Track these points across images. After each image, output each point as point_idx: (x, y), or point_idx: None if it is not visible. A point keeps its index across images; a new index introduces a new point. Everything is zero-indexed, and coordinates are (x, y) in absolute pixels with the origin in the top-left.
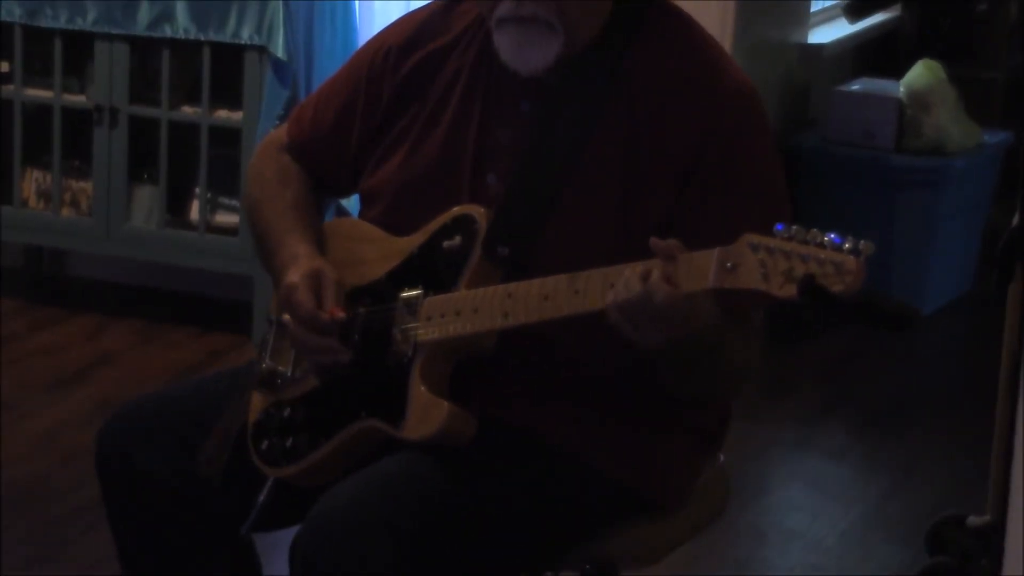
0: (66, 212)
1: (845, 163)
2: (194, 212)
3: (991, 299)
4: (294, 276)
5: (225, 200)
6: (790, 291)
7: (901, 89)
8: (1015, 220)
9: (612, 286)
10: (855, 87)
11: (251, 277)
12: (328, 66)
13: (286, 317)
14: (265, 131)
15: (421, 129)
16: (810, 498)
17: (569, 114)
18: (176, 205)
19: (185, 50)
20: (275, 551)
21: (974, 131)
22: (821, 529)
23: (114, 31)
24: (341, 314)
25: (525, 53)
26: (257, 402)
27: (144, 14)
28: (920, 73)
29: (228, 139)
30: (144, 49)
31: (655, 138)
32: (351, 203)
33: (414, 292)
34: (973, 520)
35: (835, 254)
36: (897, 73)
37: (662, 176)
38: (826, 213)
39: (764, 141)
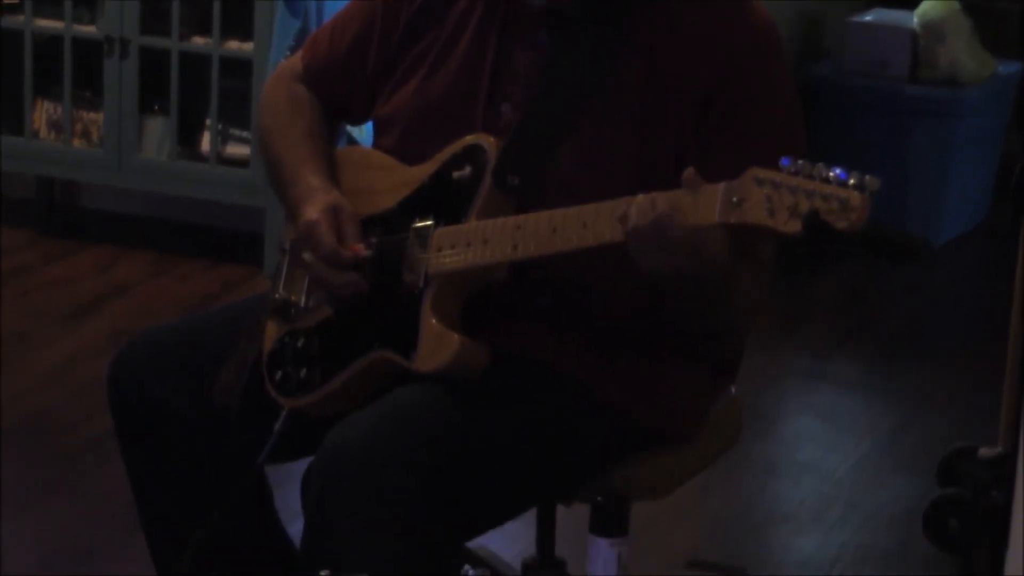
0: (77, 143)
1: (859, 94)
2: (205, 144)
3: (1005, 230)
4: (313, 212)
5: (236, 132)
6: (795, 227)
7: (915, 19)
8: None
9: (621, 218)
10: (869, 18)
11: (262, 209)
12: None
13: (307, 255)
14: (276, 62)
15: (436, 57)
16: (822, 430)
17: (587, 45)
18: (187, 137)
19: None
20: (287, 485)
21: (988, 61)
22: (833, 461)
23: None
24: (364, 251)
25: None
26: (271, 332)
27: None
28: (934, 4)
29: (239, 70)
30: None
31: (675, 69)
32: (363, 135)
33: (426, 222)
34: (984, 452)
35: (840, 190)
36: (911, 3)
37: (680, 108)
38: (840, 144)
39: (783, 77)
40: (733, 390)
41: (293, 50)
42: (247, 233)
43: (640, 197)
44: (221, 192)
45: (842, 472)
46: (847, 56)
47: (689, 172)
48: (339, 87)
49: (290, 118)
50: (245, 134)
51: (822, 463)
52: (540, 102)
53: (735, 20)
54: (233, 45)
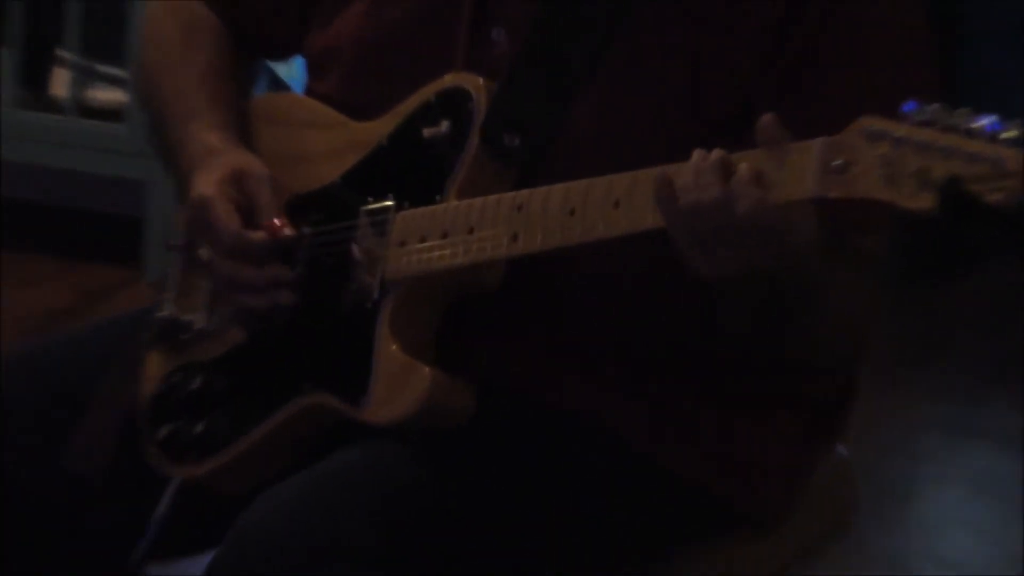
0: None
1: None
2: (60, 86)
3: None
4: (206, 183)
5: (105, 69)
6: (926, 201)
7: None
8: None
9: (666, 192)
10: None
11: (141, 183)
12: None
13: (203, 249)
14: None
15: None
16: (974, 509)
17: None
18: (33, 75)
19: None
20: None
21: None
22: (991, 554)
23: None
24: (285, 229)
25: None
26: (155, 367)
27: None
28: None
29: None
30: None
31: None
32: (292, 72)
33: (383, 203)
34: None
35: (992, 146)
36: None
37: (748, 33)
38: (991, 82)
39: None
40: (842, 451)
41: None
42: (121, 219)
43: (696, 159)
44: (82, 157)
45: (1005, 571)
46: None
47: (768, 120)
48: (256, 7)
49: (183, 51)
50: (118, 72)
51: (975, 558)
52: (546, 26)
53: None
54: None
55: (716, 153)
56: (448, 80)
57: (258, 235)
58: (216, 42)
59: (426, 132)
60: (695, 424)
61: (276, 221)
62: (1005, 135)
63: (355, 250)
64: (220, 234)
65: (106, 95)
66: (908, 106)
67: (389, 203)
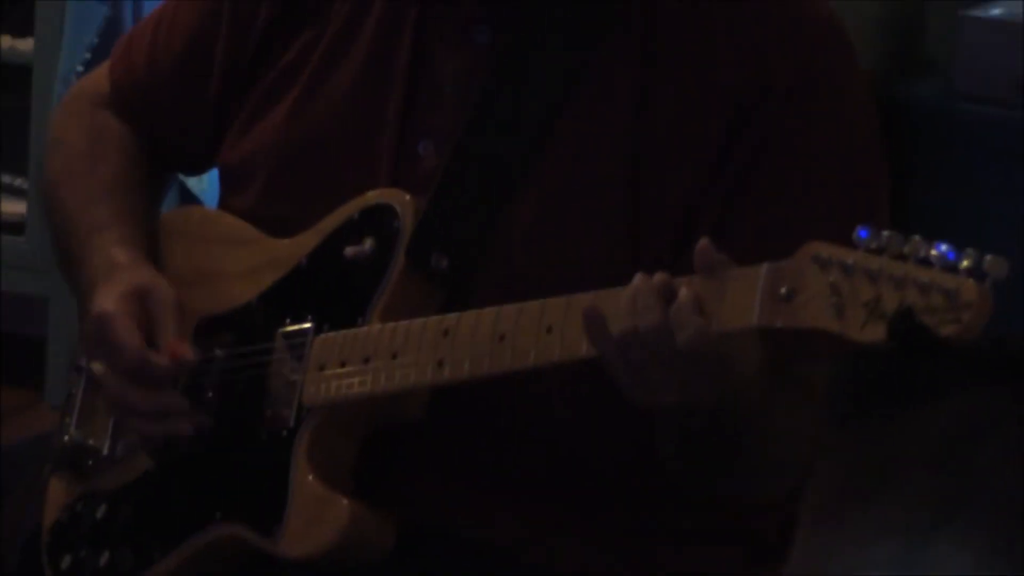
0: None
1: (976, 125)
2: None
3: None
4: (106, 299)
5: (6, 178)
6: (877, 333)
7: None
8: None
9: (596, 323)
10: (994, 12)
11: (45, 299)
12: None
13: (97, 366)
14: (70, 71)
15: (317, 68)
16: None
17: (548, 48)
18: None
19: None
20: None
21: None
22: None
23: None
24: (186, 353)
25: None
26: (57, 494)
27: None
28: None
29: (12, 81)
30: None
31: (681, 90)
32: (205, 185)
33: (301, 325)
34: None
35: (946, 276)
36: None
37: (690, 149)
38: (947, 202)
39: (855, 96)
40: None
41: (95, 53)
42: (22, 338)
43: (638, 281)
44: None
45: None
46: (959, 70)
47: (702, 245)
48: (167, 118)
49: (89, 163)
50: (20, 183)
51: None
52: (476, 140)
53: (772, 17)
54: (3, 43)
55: (659, 277)
56: (372, 196)
57: (160, 358)
58: (124, 153)
59: (348, 251)
60: (630, 560)
61: (175, 345)
62: (962, 264)
63: (270, 376)
64: (119, 353)
65: (8, 206)
66: (860, 232)
67: (308, 325)
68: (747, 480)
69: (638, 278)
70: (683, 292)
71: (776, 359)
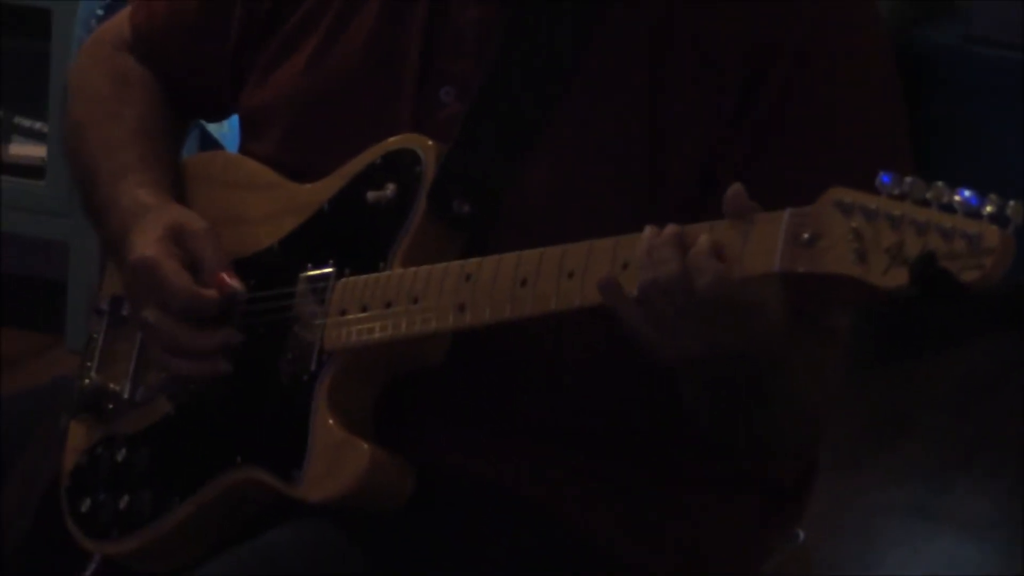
0: None
1: (996, 70)
2: None
3: None
4: (145, 243)
5: (26, 122)
6: (899, 278)
7: None
8: None
9: (626, 265)
10: None
11: (64, 244)
12: None
13: (149, 312)
14: (90, 14)
15: (337, 15)
16: None
17: None
18: None
19: None
20: None
21: None
22: None
23: None
24: (235, 283)
25: None
26: (78, 438)
27: None
28: None
29: (31, 24)
30: None
31: (702, 36)
32: (226, 130)
33: (323, 270)
34: None
35: (969, 222)
36: None
37: (714, 88)
38: (967, 147)
39: (876, 42)
40: (800, 535)
41: None
42: (41, 280)
43: (648, 234)
44: (1, 215)
45: None
46: (978, 15)
47: (735, 190)
48: (187, 63)
49: (112, 106)
50: (40, 126)
51: None
52: (497, 84)
53: None
54: None
55: (670, 228)
56: (394, 142)
57: (210, 293)
58: (148, 97)
59: (370, 196)
60: (649, 508)
61: (226, 276)
62: (985, 210)
63: (292, 320)
64: (171, 295)
65: (26, 149)
66: (883, 178)
67: (329, 270)
68: (770, 428)
69: (648, 231)
70: (702, 239)
71: (800, 306)
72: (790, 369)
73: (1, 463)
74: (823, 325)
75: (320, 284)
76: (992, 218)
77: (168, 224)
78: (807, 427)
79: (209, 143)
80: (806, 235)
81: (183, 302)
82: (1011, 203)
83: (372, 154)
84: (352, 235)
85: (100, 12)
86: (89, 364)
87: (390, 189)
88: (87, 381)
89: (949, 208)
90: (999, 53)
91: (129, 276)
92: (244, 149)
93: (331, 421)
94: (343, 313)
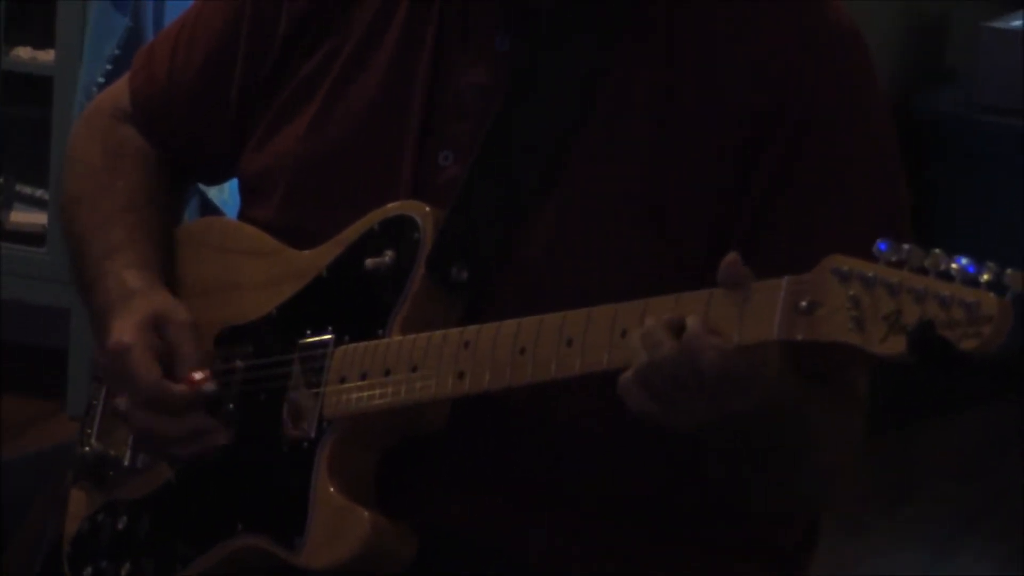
0: None
1: (998, 137)
2: None
3: None
4: (123, 328)
5: (27, 189)
6: (897, 346)
7: None
8: None
9: (624, 333)
10: (1015, 23)
11: (66, 310)
12: None
13: (120, 400)
14: (91, 82)
15: (337, 79)
16: None
17: (570, 58)
18: None
19: None
20: None
21: None
22: None
23: None
24: (207, 383)
25: None
26: (79, 505)
27: None
28: None
29: (34, 92)
30: None
31: (703, 101)
32: (226, 196)
33: (320, 337)
34: None
35: (967, 290)
36: None
37: (715, 156)
38: (969, 214)
39: (876, 109)
40: None
41: (117, 65)
42: (43, 349)
43: (648, 311)
44: (2, 282)
45: None
46: (980, 81)
47: (730, 259)
48: (187, 127)
49: (104, 178)
50: (41, 194)
51: None
52: (496, 149)
53: (791, 27)
54: (24, 54)
55: (661, 304)
56: (392, 208)
57: (179, 388)
58: (143, 166)
59: (369, 263)
60: (651, 572)
61: (198, 375)
62: (983, 277)
63: (291, 388)
64: (138, 386)
65: (27, 216)
66: (880, 245)
67: (327, 337)
68: (788, 485)
69: (647, 303)
70: (690, 321)
71: (807, 366)
72: (804, 425)
73: (3, 529)
74: (840, 381)
75: (319, 351)
76: (990, 286)
77: (150, 312)
78: (826, 483)
79: (209, 209)
80: (804, 303)
81: (148, 395)
82: (1008, 271)
83: (370, 220)
84: (350, 302)
85: (101, 80)
86: (89, 431)
87: (388, 256)
88: (87, 448)
89: (947, 276)
90: (1000, 120)
91: (106, 360)
92: (244, 214)
93: (332, 488)
94: (342, 380)
